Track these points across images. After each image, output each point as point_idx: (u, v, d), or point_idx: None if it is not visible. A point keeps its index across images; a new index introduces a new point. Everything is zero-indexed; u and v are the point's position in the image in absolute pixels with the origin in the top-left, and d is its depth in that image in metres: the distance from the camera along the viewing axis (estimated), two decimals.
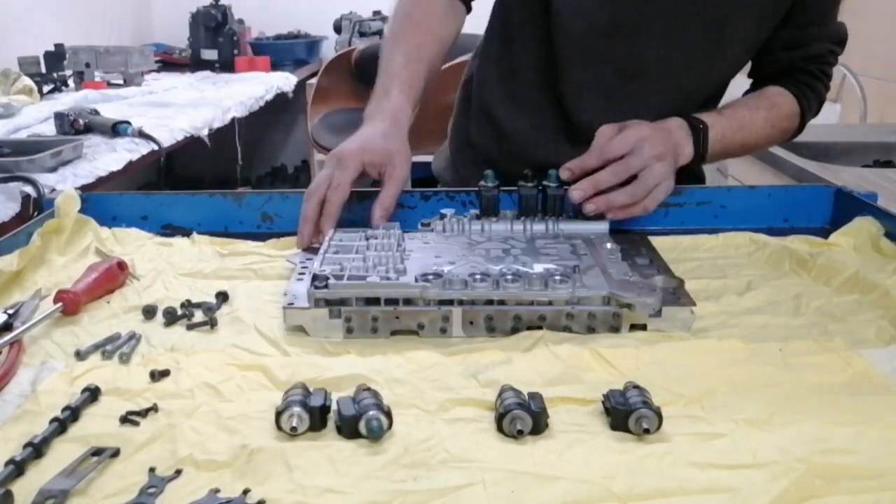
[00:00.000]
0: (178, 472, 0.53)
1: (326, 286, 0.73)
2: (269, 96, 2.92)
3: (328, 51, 3.71)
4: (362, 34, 3.46)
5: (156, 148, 1.87)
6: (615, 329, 0.74)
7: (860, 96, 2.40)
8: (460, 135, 1.26)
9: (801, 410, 0.60)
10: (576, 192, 0.92)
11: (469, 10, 1.18)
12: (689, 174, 1.19)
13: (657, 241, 0.93)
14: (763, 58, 1.14)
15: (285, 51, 3.60)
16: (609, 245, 0.85)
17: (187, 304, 0.79)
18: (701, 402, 0.61)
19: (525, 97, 1.17)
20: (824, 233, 0.98)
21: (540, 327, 0.73)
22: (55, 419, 0.58)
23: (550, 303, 0.73)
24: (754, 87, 1.18)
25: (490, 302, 0.73)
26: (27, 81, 2.36)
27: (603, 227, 0.93)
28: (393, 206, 0.94)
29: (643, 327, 0.74)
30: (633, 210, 0.93)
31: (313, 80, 3.18)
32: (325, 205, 0.91)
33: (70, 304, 0.77)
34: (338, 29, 3.55)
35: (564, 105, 1.13)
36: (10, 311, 0.76)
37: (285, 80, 3.14)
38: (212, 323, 0.76)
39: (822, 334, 0.73)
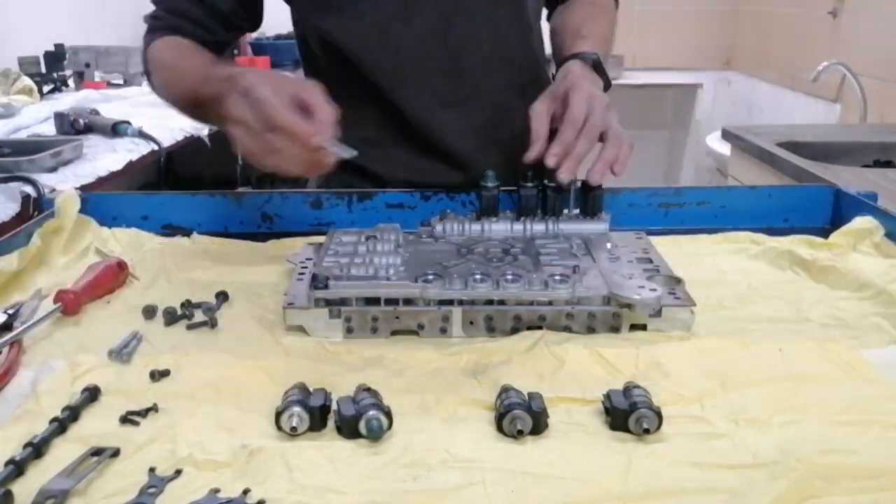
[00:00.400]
0: (178, 472, 0.53)
1: (326, 286, 0.73)
2: None
3: None
4: None
5: (156, 148, 1.88)
6: (615, 329, 0.74)
7: (860, 96, 2.40)
8: None
9: (801, 410, 0.60)
10: (564, 175, 0.87)
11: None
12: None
13: (657, 241, 0.93)
14: None
15: (285, 51, 3.59)
16: (609, 245, 0.85)
17: (187, 304, 0.79)
18: (701, 402, 0.61)
19: (377, 137, 1.09)
20: (824, 233, 0.98)
21: (540, 327, 0.73)
22: (55, 419, 0.58)
23: (550, 303, 0.73)
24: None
25: (490, 302, 0.73)
26: (27, 81, 2.36)
27: (602, 227, 0.92)
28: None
29: (643, 327, 0.74)
30: (617, 168, 0.89)
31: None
32: (277, 119, 0.75)
33: (70, 304, 0.77)
34: None
35: (399, 113, 1.08)
36: (10, 311, 0.76)
37: None
38: (212, 323, 0.76)
39: (822, 335, 0.73)
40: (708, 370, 0.66)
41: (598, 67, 0.99)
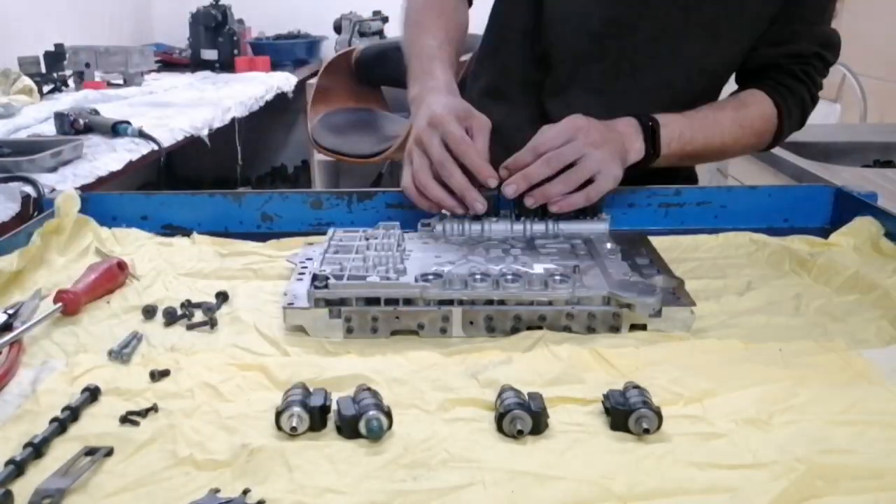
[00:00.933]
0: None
1: (326, 286, 0.73)
2: (269, 96, 2.92)
3: (328, 51, 3.71)
4: (362, 34, 3.46)
5: (156, 148, 1.87)
6: (615, 329, 0.74)
7: (860, 96, 2.40)
8: None
9: (801, 410, 0.60)
10: (508, 188, 0.89)
11: (471, 3, 1.19)
12: (683, 177, 1.19)
13: (657, 241, 0.93)
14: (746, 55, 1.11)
15: (285, 51, 3.60)
16: (609, 245, 0.85)
17: (187, 304, 0.79)
18: (701, 402, 0.61)
19: (510, 92, 1.17)
20: (824, 233, 0.98)
21: (540, 327, 0.73)
22: (55, 419, 0.58)
23: (550, 303, 0.73)
24: (738, 90, 1.16)
25: (490, 302, 0.73)
26: (27, 81, 2.36)
27: (602, 227, 0.93)
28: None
29: (643, 327, 0.74)
30: (573, 200, 0.90)
31: (313, 81, 3.18)
32: (467, 159, 0.88)
33: (70, 305, 0.77)
34: (338, 29, 3.55)
35: (546, 102, 1.14)
36: (10, 312, 0.76)
37: (285, 80, 3.14)
38: (212, 323, 0.76)
39: (822, 334, 0.73)
40: (708, 370, 0.66)
41: (646, 129, 0.99)
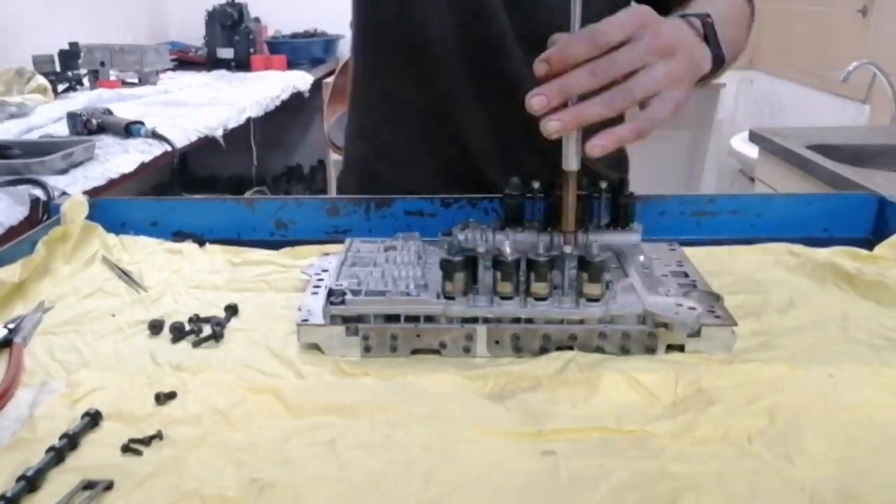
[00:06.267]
0: None
1: (343, 302, 0.69)
2: (285, 95, 2.89)
3: (345, 50, 3.67)
4: None
5: (169, 149, 1.84)
6: (651, 350, 0.69)
7: (891, 97, 2.33)
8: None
9: (860, 446, 0.55)
10: (535, 100, 0.65)
11: None
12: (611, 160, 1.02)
13: (690, 252, 0.88)
14: None
15: (302, 49, 3.56)
16: (642, 258, 0.80)
17: (195, 319, 0.75)
18: (748, 434, 0.56)
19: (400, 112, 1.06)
20: (866, 244, 0.93)
21: (570, 347, 0.69)
22: (52, 448, 0.54)
23: (582, 321, 0.69)
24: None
25: (517, 320, 0.69)
26: (41, 80, 2.33)
27: (635, 237, 0.87)
28: None
29: (681, 348, 0.69)
30: (619, 133, 0.66)
31: (330, 80, 3.14)
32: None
33: None
34: None
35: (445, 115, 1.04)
36: (11, 326, 0.72)
37: (301, 79, 3.11)
38: (216, 337, 0.72)
39: (874, 358, 0.68)
40: (754, 398, 0.61)
41: (706, 32, 0.76)
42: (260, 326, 0.75)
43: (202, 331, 0.73)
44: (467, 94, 1.04)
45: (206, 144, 2.13)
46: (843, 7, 2.80)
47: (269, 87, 2.81)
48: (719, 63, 0.77)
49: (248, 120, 2.47)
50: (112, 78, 2.72)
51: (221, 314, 0.76)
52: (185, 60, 3.43)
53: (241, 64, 3.30)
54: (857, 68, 2.33)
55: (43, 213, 1.24)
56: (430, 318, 0.69)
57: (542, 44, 0.69)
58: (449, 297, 0.69)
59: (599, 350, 0.69)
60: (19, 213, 1.27)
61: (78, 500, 0.50)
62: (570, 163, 0.72)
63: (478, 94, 1.04)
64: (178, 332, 0.73)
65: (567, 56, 0.64)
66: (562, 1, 0.71)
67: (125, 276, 0.85)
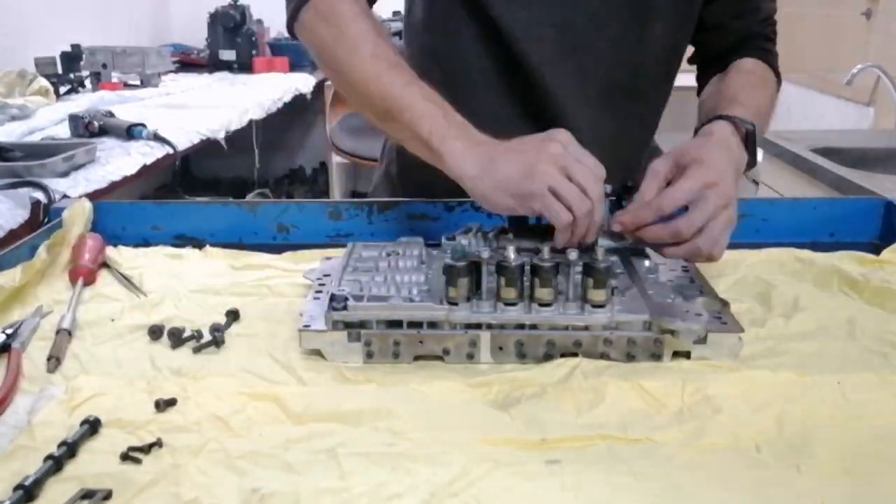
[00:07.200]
0: None
1: (345, 307, 0.68)
2: (288, 98, 2.88)
3: None
4: None
5: (171, 151, 1.83)
6: (656, 356, 0.68)
7: (895, 100, 2.32)
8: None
9: (868, 454, 0.54)
10: (616, 225, 0.78)
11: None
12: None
13: None
14: (712, 34, 1.04)
15: (304, 51, 3.55)
16: (647, 263, 0.79)
17: (196, 336, 0.74)
18: (756, 442, 0.56)
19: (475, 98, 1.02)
20: (872, 248, 0.92)
21: (575, 354, 0.68)
22: (50, 456, 0.53)
23: (587, 328, 0.68)
24: (703, 70, 1.09)
25: (521, 326, 0.68)
26: (43, 82, 2.32)
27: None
28: None
29: (687, 355, 0.68)
30: (678, 252, 0.78)
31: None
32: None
33: (89, 276, 0.84)
34: None
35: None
36: (9, 331, 0.71)
37: (304, 82, 3.10)
38: (217, 342, 0.71)
39: (881, 364, 0.68)
40: (762, 406, 0.60)
41: (748, 139, 0.86)
42: (261, 332, 0.74)
43: (203, 336, 0.73)
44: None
45: (207, 146, 2.12)
46: (847, 10, 2.78)
47: (271, 89, 2.80)
48: (751, 166, 0.88)
49: (251, 122, 2.45)
50: (114, 80, 2.71)
51: (222, 319, 0.76)
52: (187, 62, 3.42)
53: (244, 66, 3.28)
54: (861, 71, 2.32)
55: (43, 216, 1.24)
56: (433, 324, 0.68)
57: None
58: (452, 303, 0.69)
59: (605, 357, 0.68)
60: (20, 215, 1.25)
61: None
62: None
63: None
64: (177, 338, 0.72)
65: (639, 221, 0.78)
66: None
67: (125, 280, 0.85)
